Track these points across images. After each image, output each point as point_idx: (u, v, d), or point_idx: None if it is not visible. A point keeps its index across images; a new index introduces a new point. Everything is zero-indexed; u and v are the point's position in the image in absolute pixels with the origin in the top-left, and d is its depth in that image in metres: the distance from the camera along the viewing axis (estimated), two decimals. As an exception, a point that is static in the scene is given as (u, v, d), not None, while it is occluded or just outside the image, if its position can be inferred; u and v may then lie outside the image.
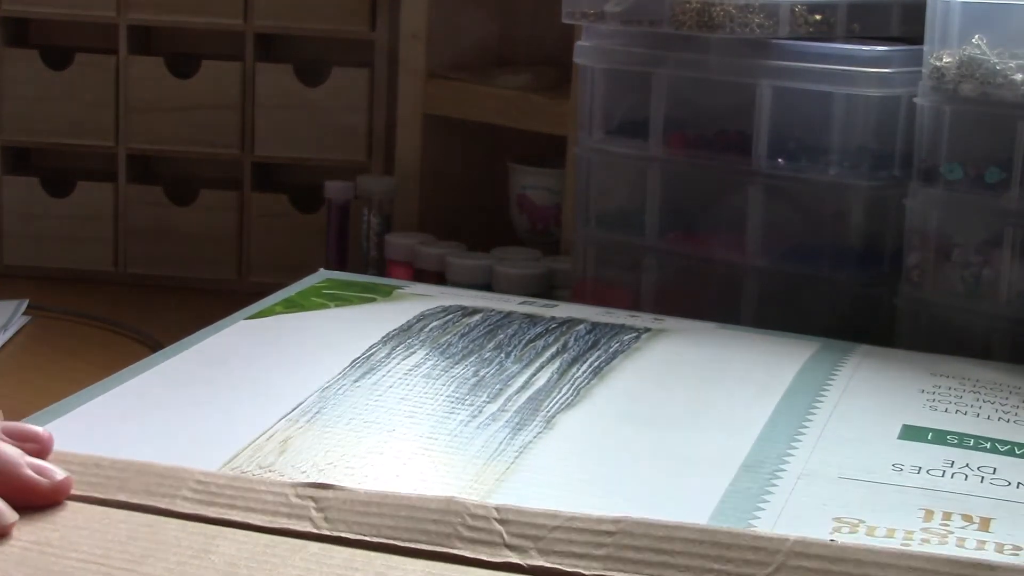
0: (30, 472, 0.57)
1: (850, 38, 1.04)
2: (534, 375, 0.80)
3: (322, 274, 1.07)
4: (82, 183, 1.69)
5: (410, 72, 1.56)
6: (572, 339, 0.87)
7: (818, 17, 1.03)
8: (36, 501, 0.56)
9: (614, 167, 1.12)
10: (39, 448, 0.60)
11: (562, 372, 0.81)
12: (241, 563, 0.46)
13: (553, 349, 0.85)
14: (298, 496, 0.52)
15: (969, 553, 0.49)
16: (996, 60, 0.90)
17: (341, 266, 1.55)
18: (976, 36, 0.92)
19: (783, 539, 0.45)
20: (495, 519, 0.48)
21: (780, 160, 1.02)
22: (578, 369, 0.81)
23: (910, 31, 1.03)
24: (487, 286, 1.30)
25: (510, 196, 1.57)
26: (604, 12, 1.09)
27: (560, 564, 0.45)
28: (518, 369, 0.81)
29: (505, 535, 0.47)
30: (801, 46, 1.01)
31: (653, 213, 1.09)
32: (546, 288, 1.30)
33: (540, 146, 1.55)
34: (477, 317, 0.91)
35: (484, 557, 0.46)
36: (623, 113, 1.12)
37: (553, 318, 0.92)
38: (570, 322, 0.91)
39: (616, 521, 0.46)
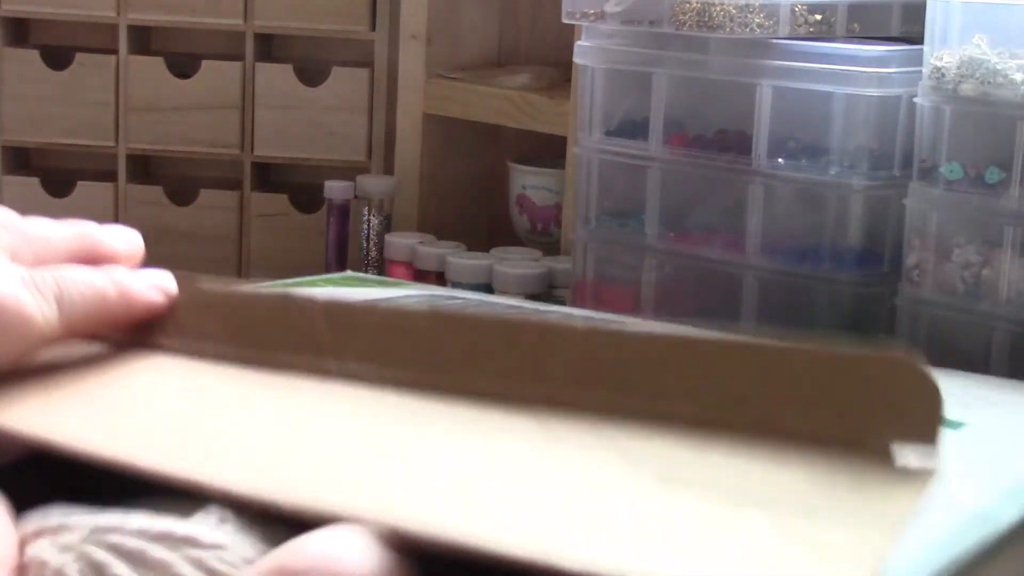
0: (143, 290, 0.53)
1: (850, 38, 1.04)
2: None
3: (347, 274, 1.07)
4: (82, 183, 1.69)
5: (410, 72, 1.56)
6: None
7: (818, 17, 1.03)
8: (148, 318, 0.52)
9: (614, 167, 1.12)
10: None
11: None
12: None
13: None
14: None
15: None
16: (996, 60, 0.90)
17: (341, 266, 1.55)
18: (976, 36, 0.92)
19: (577, 333, 0.45)
20: (322, 325, 0.50)
21: (780, 160, 1.02)
22: None
23: (910, 31, 1.03)
24: (487, 286, 1.30)
25: (510, 196, 1.57)
26: (604, 12, 1.09)
27: (372, 370, 0.47)
28: None
29: (329, 341, 0.49)
30: (801, 46, 1.01)
31: (653, 213, 1.09)
32: (546, 288, 1.30)
33: (540, 146, 1.55)
34: (459, 301, 0.91)
35: (305, 360, 0.49)
36: (623, 113, 1.12)
37: (536, 310, 0.92)
38: (550, 312, 0.91)
39: (430, 320, 0.48)
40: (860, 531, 0.37)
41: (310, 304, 0.50)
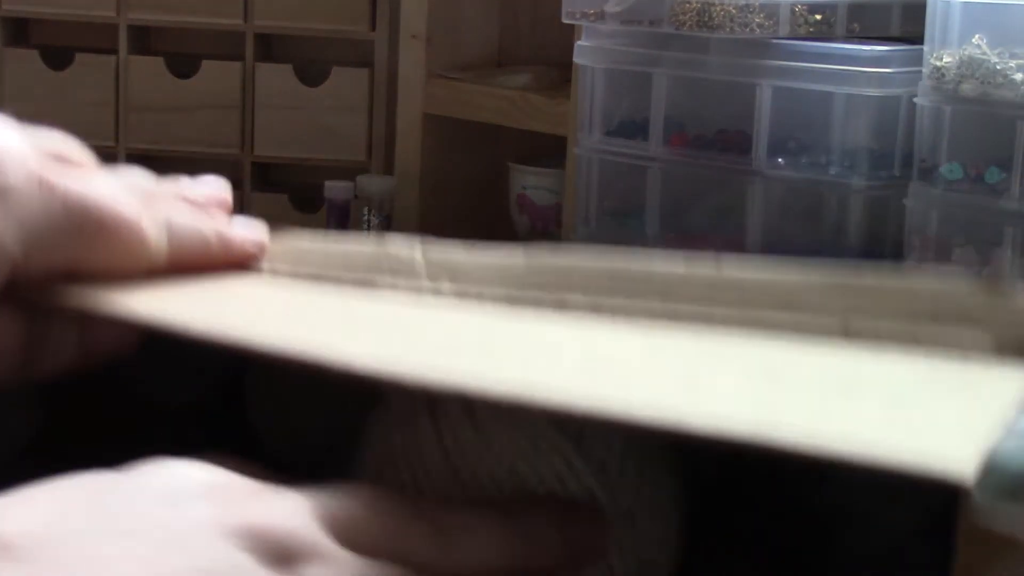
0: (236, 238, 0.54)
1: (850, 38, 1.04)
2: None
3: None
4: (82, 183, 1.69)
5: (410, 72, 1.56)
6: None
7: (818, 17, 1.03)
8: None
9: (614, 167, 1.12)
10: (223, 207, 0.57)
11: None
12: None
13: None
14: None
15: None
16: (996, 60, 0.90)
17: (341, 266, 1.55)
18: (976, 36, 0.92)
19: (673, 269, 0.48)
20: (418, 258, 0.53)
21: (780, 160, 1.02)
22: None
23: (910, 31, 1.03)
24: (487, 286, 1.30)
25: (510, 196, 1.57)
26: (604, 12, 1.09)
27: (469, 288, 0.50)
28: None
29: (424, 269, 0.52)
30: (801, 46, 1.01)
31: (653, 213, 1.09)
32: (546, 288, 1.30)
33: (540, 146, 1.55)
34: None
35: (402, 283, 0.51)
36: (623, 113, 1.12)
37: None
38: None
39: (526, 256, 0.50)
40: (969, 406, 0.39)
41: (406, 246, 0.52)
